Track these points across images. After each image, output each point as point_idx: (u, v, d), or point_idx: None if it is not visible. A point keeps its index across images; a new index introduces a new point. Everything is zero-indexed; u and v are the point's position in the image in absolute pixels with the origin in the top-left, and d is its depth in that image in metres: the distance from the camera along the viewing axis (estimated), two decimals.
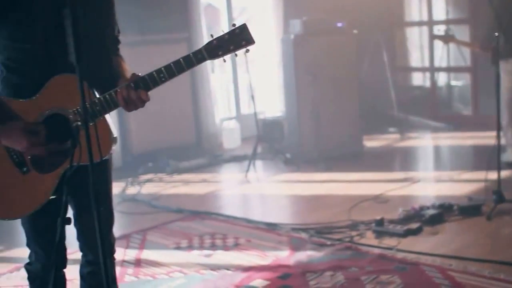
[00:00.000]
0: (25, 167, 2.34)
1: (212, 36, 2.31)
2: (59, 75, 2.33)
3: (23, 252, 2.63)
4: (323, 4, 8.15)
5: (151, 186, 6.61)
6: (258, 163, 7.21)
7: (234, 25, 2.31)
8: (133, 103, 2.30)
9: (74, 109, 2.31)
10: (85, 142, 2.04)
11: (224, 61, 2.35)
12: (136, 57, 6.96)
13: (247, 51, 2.32)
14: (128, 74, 2.49)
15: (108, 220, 2.51)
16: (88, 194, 2.27)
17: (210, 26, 8.69)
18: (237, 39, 2.28)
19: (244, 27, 2.29)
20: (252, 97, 6.83)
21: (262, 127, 7.67)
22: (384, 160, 7.23)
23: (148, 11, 7.40)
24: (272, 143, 7.60)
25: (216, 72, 9.23)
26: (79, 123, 2.11)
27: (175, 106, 7.61)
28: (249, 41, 2.29)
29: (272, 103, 8.77)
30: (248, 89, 9.00)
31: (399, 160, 7.46)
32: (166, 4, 7.61)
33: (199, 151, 7.86)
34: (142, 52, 6.96)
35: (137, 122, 7.21)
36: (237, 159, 7.62)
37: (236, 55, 2.33)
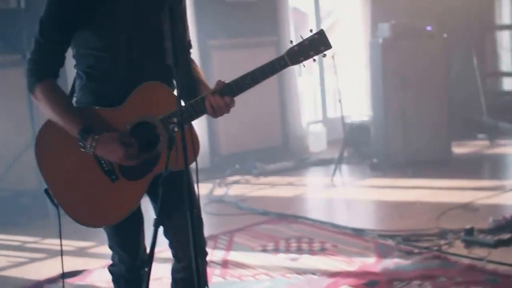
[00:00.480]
0: (114, 175, 2.40)
1: (292, 42, 2.37)
2: (145, 84, 2.39)
3: None
4: (412, 8, 8.04)
5: (238, 188, 6.70)
6: (344, 167, 7.18)
7: (311, 30, 2.36)
8: (220, 110, 2.36)
9: (161, 117, 2.36)
10: (180, 147, 2.11)
11: (304, 66, 2.40)
12: (225, 61, 7.17)
13: (324, 55, 2.38)
14: (204, 78, 2.57)
15: (199, 222, 2.55)
16: (176, 198, 2.37)
17: (297, 29, 8.71)
18: (316, 44, 2.34)
19: (322, 33, 2.35)
20: (339, 101, 6.81)
21: (348, 131, 7.60)
22: (473, 167, 7.04)
23: (237, 15, 7.51)
24: (358, 147, 7.55)
25: (303, 75, 9.24)
26: (174, 126, 2.15)
27: (262, 108, 7.69)
28: (327, 46, 2.35)
29: (358, 106, 8.71)
30: (334, 93, 9.02)
31: (489, 167, 7.27)
32: (255, 8, 7.70)
33: (285, 153, 7.92)
34: (231, 55, 7.09)
35: (225, 124, 7.33)
36: (323, 162, 7.62)
37: (314, 60, 2.38)
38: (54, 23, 2.36)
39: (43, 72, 2.38)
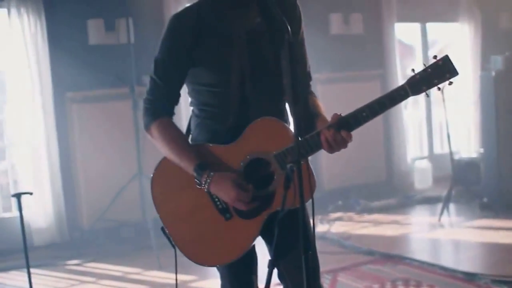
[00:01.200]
0: (228, 213, 2.35)
1: (413, 70, 2.23)
2: (260, 119, 2.34)
3: (216, 283, 2.65)
4: None
5: (341, 225, 6.53)
6: (452, 206, 6.85)
7: (435, 57, 2.21)
8: (336, 145, 2.25)
9: (275, 153, 2.29)
10: (297, 185, 2.01)
11: (427, 95, 2.25)
12: (329, 95, 7.06)
13: (450, 83, 2.21)
14: (323, 112, 2.46)
15: (315, 263, 2.44)
16: (291, 238, 2.26)
17: (402, 62, 8.54)
18: (441, 71, 2.19)
19: (447, 59, 2.19)
20: (448, 136, 6.54)
21: (456, 168, 7.30)
22: None
23: (341, 48, 7.42)
24: (467, 186, 7.21)
25: (409, 109, 9.00)
26: (292, 165, 2.03)
27: (366, 143, 7.50)
28: (453, 72, 2.19)
29: (467, 142, 8.37)
30: (441, 127, 8.73)
31: None
32: (360, 40, 7.59)
33: (389, 190, 7.68)
34: (335, 89, 7.00)
35: (327, 158, 7.19)
36: (429, 200, 7.35)
37: (439, 88, 2.23)
38: (169, 62, 2.37)
39: (159, 110, 2.40)
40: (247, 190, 2.28)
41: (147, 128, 2.41)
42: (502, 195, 6.61)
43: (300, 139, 2.22)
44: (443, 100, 6.46)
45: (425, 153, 8.71)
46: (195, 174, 2.30)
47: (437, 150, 8.70)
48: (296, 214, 2.08)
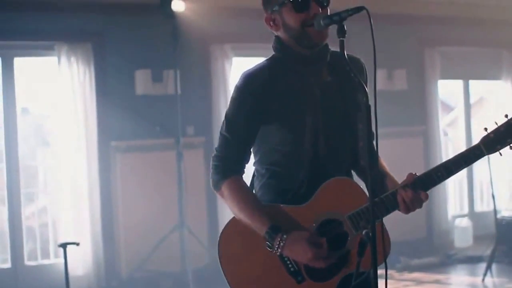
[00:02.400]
0: (300, 276, 2.29)
1: (486, 129, 2.23)
2: (333, 179, 2.32)
3: None
4: None
5: (381, 283, 6.38)
6: (494, 266, 6.69)
7: (506, 116, 2.22)
8: (413, 205, 2.24)
9: (349, 214, 2.27)
10: (371, 247, 2.00)
11: (501, 154, 2.24)
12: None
13: None
14: (388, 171, 2.45)
15: None
16: None
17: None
18: None
19: None
20: (493, 195, 6.44)
21: (499, 227, 7.17)
22: None
23: (385, 104, 7.40)
24: (510, 246, 7.05)
25: None
26: (368, 230, 2.03)
27: None
28: None
29: (509, 201, 8.22)
30: (481, 185, 8.62)
31: None
32: (404, 97, 7.59)
33: (429, 247, 7.54)
34: (379, 144, 6.96)
35: None
36: (470, 260, 7.17)
37: (511, 147, 2.22)
38: (240, 119, 2.37)
39: (229, 169, 2.38)
40: (321, 246, 2.24)
41: (217, 187, 2.40)
42: None
43: (376, 199, 2.21)
44: (488, 157, 6.36)
45: (466, 210, 8.56)
46: (267, 237, 2.26)
47: (478, 208, 8.56)
48: (368, 277, 2.06)
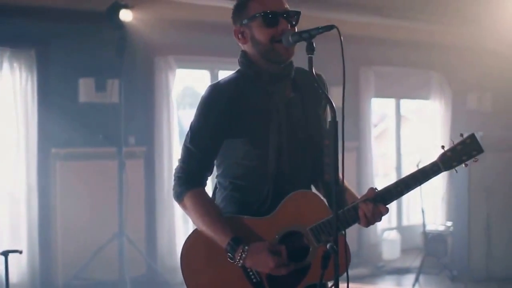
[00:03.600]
0: (262, 287, 2.31)
1: (443, 147, 2.32)
2: (296, 192, 2.35)
3: None
4: (501, 120, 8.01)
5: None
6: (422, 277, 6.97)
7: (462, 135, 2.32)
8: (373, 218, 2.29)
9: (311, 227, 2.30)
10: (334, 259, 2.04)
11: (456, 172, 2.34)
12: None
13: (476, 160, 2.31)
14: (347, 185, 2.48)
15: None
16: None
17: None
18: (468, 149, 2.29)
19: (473, 137, 2.31)
20: (422, 210, 6.72)
21: (427, 240, 7.46)
22: None
23: None
24: (437, 257, 7.36)
25: (379, 179, 9.20)
26: (332, 244, 2.06)
27: None
28: (479, 150, 2.29)
29: (434, 215, 8.55)
30: (409, 200, 8.92)
31: None
32: (338, 113, 7.75)
33: (359, 260, 7.74)
34: None
35: None
36: (398, 271, 7.43)
37: (466, 165, 2.32)
38: (205, 132, 2.38)
39: (192, 180, 2.39)
40: (281, 255, 2.26)
41: (179, 198, 2.39)
42: (471, 269, 6.75)
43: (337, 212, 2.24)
44: None
45: (394, 224, 8.84)
46: (228, 249, 2.26)
47: (406, 222, 8.84)
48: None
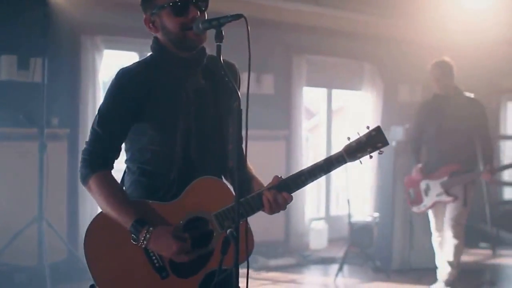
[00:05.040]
0: (164, 272, 2.32)
1: (349, 138, 2.35)
2: (201, 178, 2.36)
3: None
4: None
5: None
6: (346, 267, 7.05)
7: (368, 127, 2.36)
8: (277, 206, 2.33)
9: (215, 213, 2.33)
10: (235, 248, 2.07)
11: (361, 163, 2.37)
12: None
13: (381, 152, 2.36)
14: (254, 174, 2.54)
15: None
16: None
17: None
18: (373, 141, 2.33)
19: (379, 129, 2.35)
20: (348, 200, 6.78)
21: (352, 230, 7.54)
22: (475, 276, 6.92)
23: (250, 106, 7.54)
24: (361, 248, 7.45)
25: None
26: (232, 229, 2.10)
27: None
28: (384, 142, 2.34)
29: (362, 206, 8.66)
30: (337, 190, 9.01)
31: (491, 277, 7.13)
32: (270, 100, 7.76)
33: (286, 249, 7.79)
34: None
35: None
36: (324, 261, 7.49)
37: (371, 156, 2.36)
38: (114, 115, 2.37)
39: (98, 163, 2.37)
40: (185, 241, 2.28)
41: (85, 180, 2.38)
42: (393, 259, 6.88)
43: (241, 199, 2.27)
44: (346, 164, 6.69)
45: (322, 214, 8.92)
46: (132, 230, 2.27)
47: (333, 212, 8.93)
48: (230, 274, 2.13)
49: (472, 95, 5.97)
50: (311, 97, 10.04)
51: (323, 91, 8.84)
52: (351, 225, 7.19)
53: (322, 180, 8.90)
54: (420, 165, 5.85)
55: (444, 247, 5.90)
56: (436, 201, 5.80)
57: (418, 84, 8.87)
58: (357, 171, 8.59)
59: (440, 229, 5.93)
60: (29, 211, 5.77)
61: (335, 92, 8.97)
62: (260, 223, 7.45)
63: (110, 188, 2.36)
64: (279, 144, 7.66)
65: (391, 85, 8.81)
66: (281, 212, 8.05)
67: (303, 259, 7.52)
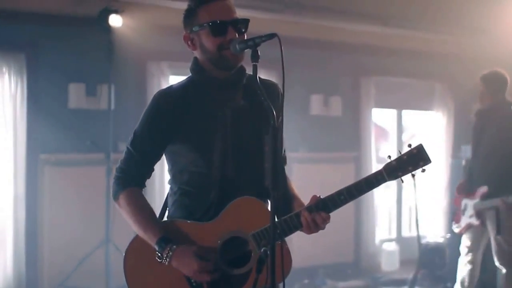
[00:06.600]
0: None
1: (389, 157, 2.31)
2: (240, 198, 2.36)
3: None
4: None
5: None
6: None
7: (410, 145, 2.30)
8: (315, 226, 2.31)
9: (254, 233, 2.32)
10: (269, 267, 2.04)
11: (402, 181, 2.33)
12: (305, 174, 7.11)
13: (423, 170, 2.30)
14: (296, 194, 2.54)
15: None
16: None
17: (376, 145, 8.67)
18: (415, 159, 2.27)
19: (420, 147, 2.29)
20: (416, 221, 6.61)
21: (423, 251, 7.35)
22: None
23: (319, 128, 7.53)
24: (432, 270, 7.24)
25: (380, 190, 9.09)
26: (266, 248, 2.08)
27: (336, 221, 7.50)
28: (426, 161, 2.27)
29: (435, 227, 8.43)
30: (410, 211, 8.80)
31: None
32: (338, 122, 7.72)
33: (356, 270, 7.66)
34: (311, 169, 7.06)
35: (297, 235, 7.17)
36: (395, 283, 7.32)
37: (413, 175, 2.30)
38: (147, 136, 2.42)
39: (129, 180, 2.43)
40: (209, 261, 2.28)
41: (116, 197, 2.44)
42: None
43: (277, 220, 2.27)
44: (414, 184, 6.54)
45: (394, 235, 8.73)
46: (157, 247, 2.30)
47: (405, 233, 8.73)
48: None
49: None
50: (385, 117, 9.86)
51: (393, 112, 8.72)
52: (422, 246, 7.00)
53: (393, 200, 8.78)
54: (460, 181, 5.48)
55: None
56: (468, 223, 5.34)
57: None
58: (428, 190, 8.39)
59: (470, 250, 5.46)
60: (97, 235, 5.91)
61: (406, 112, 8.81)
62: (329, 244, 7.48)
63: (138, 205, 2.40)
64: (349, 166, 7.59)
65: (463, 104, 8.56)
66: (351, 232, 7.95)
67: (373, 281, 7.38)
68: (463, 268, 5.57)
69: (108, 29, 5.92)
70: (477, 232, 5.38)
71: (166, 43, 6.56)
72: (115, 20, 5.92)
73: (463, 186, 5.45)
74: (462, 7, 6.80)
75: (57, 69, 6.14)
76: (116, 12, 5.89)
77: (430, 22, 7.32)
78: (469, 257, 5.48)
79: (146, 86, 6.58)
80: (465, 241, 5.50)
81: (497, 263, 5.29)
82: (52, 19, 6.09)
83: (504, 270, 5.28)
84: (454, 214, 5.64)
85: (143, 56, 6.52)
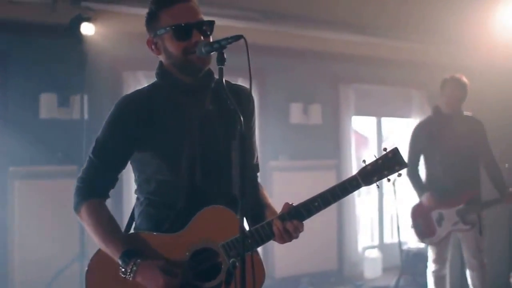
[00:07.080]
0: None
1: (364, 162, 2.23)
2: (208, 207, 2.25)
3: None
4: None
5: None
6: None
7: (385, 149, 2.24)
8: (288, 235, 2.20)
9: (223, 243, 2.22)
10: (239, 279, 1.96)
11: (378, 186, 2.25)
12: (285, 182, 7.05)
13: (399, 175, 2.22)
14: (269, 203, 2.44)
15: None
16: None
17: (357, 152, 8.64)
18: (390, 163, 2.20)
19: (396, 151, 2.22)
20: (398, 228, 6.56)
21: (405, 258, 7.32)
22: None
23: (299, 136, 7.47)
24: (414, 276, 7.19)
25: (362, 198, 9.05)
26: (235, 260, 1.99)
27: (319, 230, 7.45)
28: (402, 164, 2.20)
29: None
30: (392, 217, 8.75)
31: None
32: (318, 130, 7.68)
33: (340, 279, 7.63)
34: (291, 177, 7.00)
35: (278, 245, 7.08)
36: None
37: (389, 180, 2.23)
38: (110, 144, 2.30)
39: (91, 191, 2.31)
40: (176, 276, 2.17)
41: (76, 209, 2.31)
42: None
43: (249, 228, 2.19)
44: (394, 191, 6.50)
45: (376, 242, 8.69)
46: (120, 262, 2.18)
47: (387, 239, 8.71)
48: None
49: (470, 114, 5.47)
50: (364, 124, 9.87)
51: (372, 120, 8.70)
52: (403, 252, 6.96)
53: (374, 207, 8.72)
54: (429, 194, 5.26)
55: (472, 278, 5.38)
56: (451, 230, 5.23)
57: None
58: (408, 197, 8.33)
59: (441, 261, 5.44)
60: (71, 250, 5.75)
61: (385, 120, 8.81)
62: (312, 253, 7.39)
63: (99, 217, 2.28)
64: (329, 174, 7.54)
65: None
66: (334, 240, 7.86)
67: None
68: (437, 281, 5.55)
69: (81, 37, 5.76)
70: (445, 243, 5.36)
71: (141, 52, 6.39)
72: (87, 29, 5.77)
73: (433, 198, 5.24)
74: (432, 17, 6.92)
75: (28, 78, 5.97)
76: (88, 20, 5.75)
77: (407, 32, 7.37)
78: (437, 269, 5.48)
79: (121, 96, 6.42)
80: (435, 252, 5.46)
81: (475, 264, 5.29)
82: (22, 27, 5.94)
83: (483, 270, 5.30)
84: (420, 228, 5.47)
85: (117, 65, 6.39)
